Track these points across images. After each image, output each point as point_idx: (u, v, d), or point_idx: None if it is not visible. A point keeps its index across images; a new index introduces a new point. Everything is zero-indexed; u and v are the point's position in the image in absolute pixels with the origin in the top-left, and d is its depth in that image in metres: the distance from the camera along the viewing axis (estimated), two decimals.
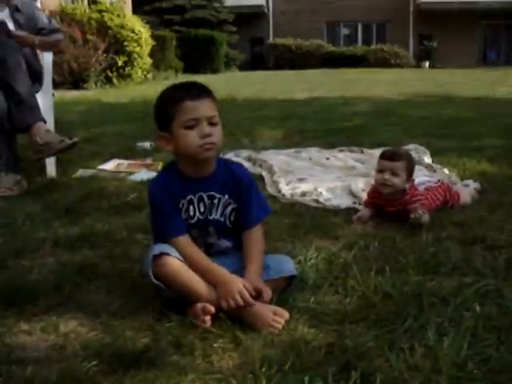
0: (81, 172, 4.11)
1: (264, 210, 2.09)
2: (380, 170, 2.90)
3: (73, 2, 17.15)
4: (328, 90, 11.70)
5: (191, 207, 1.99)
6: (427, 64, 29.26)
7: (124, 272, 2.27)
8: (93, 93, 12.55)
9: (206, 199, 1.99)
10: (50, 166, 4.04)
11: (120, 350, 1.66)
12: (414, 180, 2.95)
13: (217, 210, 2.02)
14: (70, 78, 13.68)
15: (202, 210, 2.00)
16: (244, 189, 2.02)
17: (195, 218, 2.00)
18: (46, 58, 4.20)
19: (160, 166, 4.07)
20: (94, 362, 1.61)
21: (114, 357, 1.63)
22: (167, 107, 1.94)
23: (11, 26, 4.21)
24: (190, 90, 1.94)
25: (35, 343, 1.78)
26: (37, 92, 3.99)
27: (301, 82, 15.15)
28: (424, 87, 12.48)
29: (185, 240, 1.95)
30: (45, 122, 3.79)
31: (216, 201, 2.01)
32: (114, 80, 14.78)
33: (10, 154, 3.80)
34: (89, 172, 4.11)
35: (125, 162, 4.28)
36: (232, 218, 2.04)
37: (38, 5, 4.87)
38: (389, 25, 33.07)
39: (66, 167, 4.20)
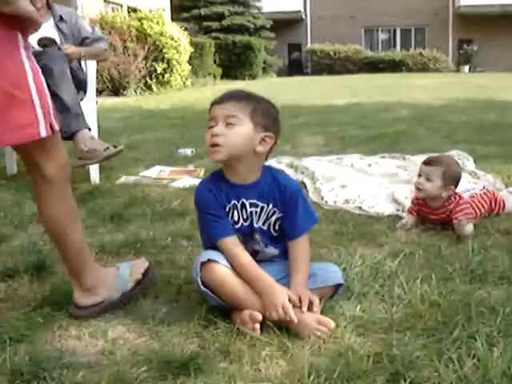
0: (124, 179, 4.16)
1: (311, 220, 2.08)
2: (419, 175, 2.90)
3: (113, 11, 17.43)
4: (367, 96, 11.65)
5: (236, 212, 1.99)
6: (467, 68, 28.95)
7: (170, 278, 2.29)
8: (132, 99, 12.70)
9: (247, 206, 2.00)
10: (94, 172, 4.10)
11: (168, 356, 1.67)
12: (452, 189, 2.87)
13: (259, 218, 2.02)
14: (110, 84, 13.87)
15: (244, 216, 2.01)
16: (290, 198, 2.01)
17: (239, 224, 2.01)
18: (90, 67, 4.27)
19: (202, 173, 4.11)
20: (143, 368, 1.63)
21: (162, 363, 1.64)
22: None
23: (56, 36, 4.30)
24: (222, 96, 1.96)
25: (84, 348, 1.81)
26: (81, 100, 4.06)
27: (339, 88, 15.11)
28: (465, 92, 12.33)
29: (233, 241, 1.95)
30: (89, 130, 3.86)
31: (258, 209, 2.01)
32: (154, 87, 14.93)
33: None
34: (132, 178, 4.16)
35: (167, 169, 4.32)
36: (277, 227, 2.04)
37: (80, 13, 4.95)
38: (428, 29, 32.79)
39: (109, 173, 4.26)
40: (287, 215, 2.02)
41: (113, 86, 13.99)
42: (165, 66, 15.20)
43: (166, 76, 15.33)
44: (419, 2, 32.33)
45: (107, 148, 3.68)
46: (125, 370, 1.62)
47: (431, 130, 6.13)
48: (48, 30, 4.34)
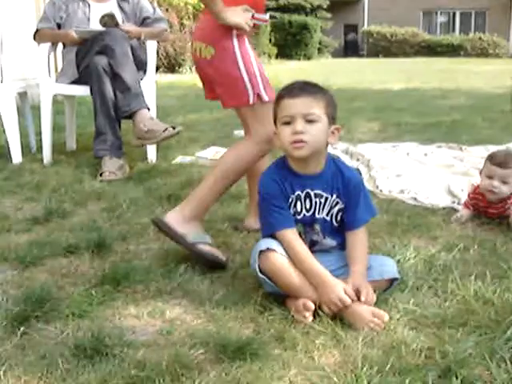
0: (180, 158, 4.23)
1: (370, 212, 2.10)
2: (489, 176, 2.83)
3: None
4: (424, 81, 11.49)
5: (299, 203, 2.02)
6: None
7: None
8: (188, 77, 12.79)
9: (312, 196, 2.03)
10: (151, 151, 4.18)
11: (225, 340, 1.72)
12: None
13: (323, 208, 2.05)
14: (165, 61, 14.00)
15: (307, 206, 2.04)
16: (353, 190, 2.04)
17: (301, 214, 2.04)
18: (150, 47, 4.31)
19: None
20: (200, 351, 1.68)
21: (219, 346, 1.69)
22: (274, 105, 2.03)
23: (118, 15, 4.38)
24: (292, 89, 1.98)
25: (143, 327, 1.87)
26: (141, 79, 4.13)
27: (396, 72, 14.93)
28: None
29: (291, 233, 1.99)
30: (148, 110, 3.93)
31: (323, 199, 2.03)
32: None
33: (114, 139, 3.97)
34: (188, 159, 4.22)
35: (222, 150, 4.35)
36: (338, 218, 2.07)
37: None
38: (488, 13, 32.02)
39: (165, 153, 4.34)
40: (348, 206, 2.05)
41: (168, 63, 14.13)
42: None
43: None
44: None
45: (166, 129, 3.74)
46: (183, 352, 1.67)
47: (489, 120, 6.02)
48: (111, 9, 4.42)
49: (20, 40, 11.62)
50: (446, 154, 4.25)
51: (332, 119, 1.98)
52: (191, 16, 14.78)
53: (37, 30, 4.44)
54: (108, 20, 4.14)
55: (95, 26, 4.28)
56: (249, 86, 2.40)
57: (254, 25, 2.45)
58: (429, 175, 3.65)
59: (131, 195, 3.33)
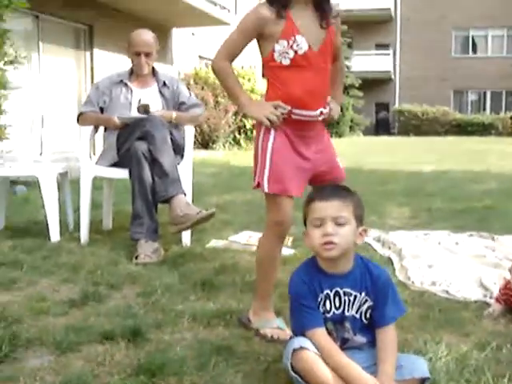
0: (214, 242, 4.30)
1: (399, 310, 2.14)
2: None
3: (206, 66, 17.97)
4: (455, 162, 11.55)
5: (328, 302, 2.08)
6: None
7: (259, 355, 2.37)
8: (221, 154, 13.02)
9: (342, 295, 2.08)
10: (186, 235, 4.26)
11: None
12: None
13: (352, 306, 2.09)
14: (200, 138, 14.28)
15: (337, 305, 2.09)
16: (381, 288, 2.09)
17: (331, 313, 2.08)
18: (188, 132, 4.46)
19: (290, 242, 4.19)
20: None
21: None
22: (304, 207, 2.12)
23: (158, 100, 4.57)
24: (322, 192, 2.10)
25: None
26: (178, 164, 4.25)
27: (427, 152, 15.01)
28: None
29: (321, 333, 2.03)
30: (185, 195, 4.04)
31: (352, 297, 2.08)
32: (242, 142, 15.28)
33: (151, 222, 4.06)
34: (221, 243, 4.30)
35: (255, 235, 4.43)
36: (368, 315, 2.11)
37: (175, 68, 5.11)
38: None
39: (199, 236, 4.42)
40: (377, 303, 2.09)
41: (202, 140, 14.40)
42: (253, 121, 15.53)
43: (255, 132, 15.63)
44: (511, 66, 31.97)
45: (200, 211, 3.85)
46: None
47: None
48: (153, 94, 4.63)
49: (60, 117, 12.03)
50: (477, 244, 4.26)
51: (360, 221, 2.08)
52: (226, 94, 15.10)
53: (80, 113, 4.63)
54: (141, 109, 4.33)
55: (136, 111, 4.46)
56: (257, 172, 2.63)
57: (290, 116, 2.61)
58: (460, 266, 3.66)
59: (166, 280, 3.39)
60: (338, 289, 2.08)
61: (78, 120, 4.66)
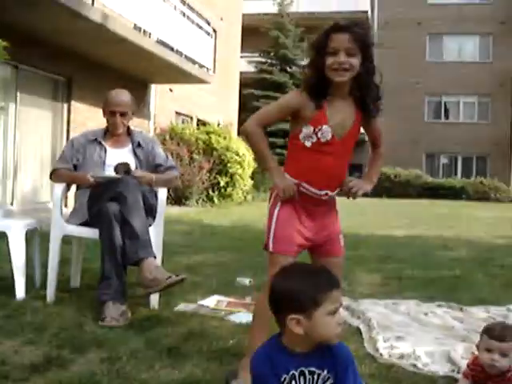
0: (182, 306, 4.26)
1: None
2: (488, 349, 2.84)
3: (183, 122, 18.15)
4: (426, 227, 11.67)
5: (293, 382, 2.04)
6: None
7: None
8: (194, 211, 13.00)
9: (307, 374, 2.04)
10: (154, 297, 4.20)
11: None
12: None
13: None
14: (173, 194, 14.27)
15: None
16: (342, 366, 2.06)
17: None
18: (161, 195, 4.44)
19: None
20: None
21: None
22: (312, 290, 1.99)
23: (132, 160, 4.57)
24: (337, 281, 2.05)
25: None
26: (150, 225, 4.23)
27: (399, 215, 15.16)
28: None
29: None
30: (155, 257, 4.01)
31: (316, 376, 2.05)
32: (215, 199, 15.31)
33: (119, 284, 4.01)
34: (190, 307, 4.25)
35: (225, 300, 4.40)
36: None
37: (152, 124, 5.17)
38: (489, 158, 32.95)
39: (168, 299, 4.36)
40: (338, 380, 2.06)
41: (176, 195, 14.39)
42: (228, 179, 15.63)
43: (228, 189, 15.72)
44: (481, 132, 32.73)
45: (170, 277, 3.81)
46: None
47: (490, 276, 6.05)
48: (125, 155, 4.63)
49: (34, 168, 11.98)
50: (446, 315, 4.27)
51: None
52: (201, 151, 15.21)
53: (54, 170, 4.61)
54: (121, 168, 4.32)
55: (110, 169, 4.45)
56: (266, 234, 2.88)
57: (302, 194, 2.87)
58: (429, 339, 3.65)
59: (132, 346, 3.32)
60: (303, 368, 2.04)
61: (51, 176, 4.64)
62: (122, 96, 4.63)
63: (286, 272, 2.11)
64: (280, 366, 2.03)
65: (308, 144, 2.84)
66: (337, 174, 2.93)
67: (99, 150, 4.62)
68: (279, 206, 2.87)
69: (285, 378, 2.03)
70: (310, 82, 2.87)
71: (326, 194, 2.90)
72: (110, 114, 4.59)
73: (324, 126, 2.81)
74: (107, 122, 4.66)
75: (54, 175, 4.60)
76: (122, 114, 4.58)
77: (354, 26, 2.81)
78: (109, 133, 4.70)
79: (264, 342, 2.14)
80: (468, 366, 2.99)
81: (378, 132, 3.20)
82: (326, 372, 2.05)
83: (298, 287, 2.01)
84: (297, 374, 2.04)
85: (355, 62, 2.79)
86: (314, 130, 2.81)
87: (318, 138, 2.82)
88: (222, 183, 15.50)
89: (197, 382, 2.80)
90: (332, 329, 1.98)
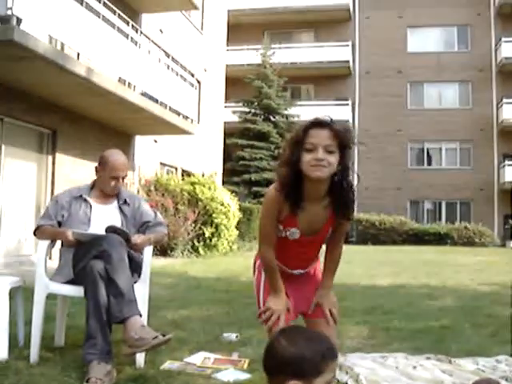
0: (168, 364, 4.20)
1: None
2: None
3: (167, 173, 18.20)
4: (412, 276, 11.66)
5: None
6: None
7: None
8: (179, 262, 12.93)
9: None
10: (140, 356, 4.15)
11: None
12: None
13: None
14: (158, 245, 14.22)
15: None
16: None
17: None
18: (147, 252, 4.41)
19: (246, 365, 4.12)
20: None
21: None
22: (317, 359, 1.97)
23: (117, 217, 4.56)
24: (337, 351, 2.07)
25: None
26: (135, 282, 4.20)
27: (384, 263, 15.14)
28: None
29: None
30: (140, 316, 3.97)
31: None
32: (201, 250, 15.27)
33: (104, 344, 3.96)
34: (176, 365, 4.19)
35: (211, 357, 4.35)
36: None
37: (137, 175, 5.20)
38: (473, 203, 33.24)
39: (154, 357, 4.30)
40: None
41: (161, 247, 14.33)
42: (213, 230, 15.61)
43: (214, 240, 15.69)
44: (464, 177, 33.08)
45: (156, 337, 3.77)
46: None
47: (477, 326, 6.03)
48: (111, 211, 4.62)
49: (17, 221, 11.92)
50: (434, 368, 4.24)
51: None
52: (186, 201, 15.24)
53: (38, 227, 4.59)
54: (110, 230, 4.30)
55: (95, 226, 4.44)
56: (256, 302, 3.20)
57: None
58: None
59: None
60: None
61: (35, 233, 4.61)
62: (122, 158, 4.65)
63: (289, 336, 2.08)
64: None
65: (280, 235, 3.06)
66: (307, 258, 3.23)
67: (84, 206, 4.61)
68: (264, 279, 3.17)
69: None
70: (285, 182, 2.89)
71: (300, 272, 3.24)
72: (111, 177, 4.58)
73: (293, 229, 3.01)
74: (102, 181, 4.64)
75: (38, 232, 4.58)
76: (123, 178, 4.61)
77: (335, 124, 2.83)
78: (95, 189, 4.70)
79: None
80: None
81: (343, 233, 3.26)
82: None
83: (304, 354, 1.99)
84: None
85: (333, 160, 2.79)
86: (284, 229, 3.01)
87: (287, 236, 3.04)
88: (208, 234, 15.47)
89: None
90: None
